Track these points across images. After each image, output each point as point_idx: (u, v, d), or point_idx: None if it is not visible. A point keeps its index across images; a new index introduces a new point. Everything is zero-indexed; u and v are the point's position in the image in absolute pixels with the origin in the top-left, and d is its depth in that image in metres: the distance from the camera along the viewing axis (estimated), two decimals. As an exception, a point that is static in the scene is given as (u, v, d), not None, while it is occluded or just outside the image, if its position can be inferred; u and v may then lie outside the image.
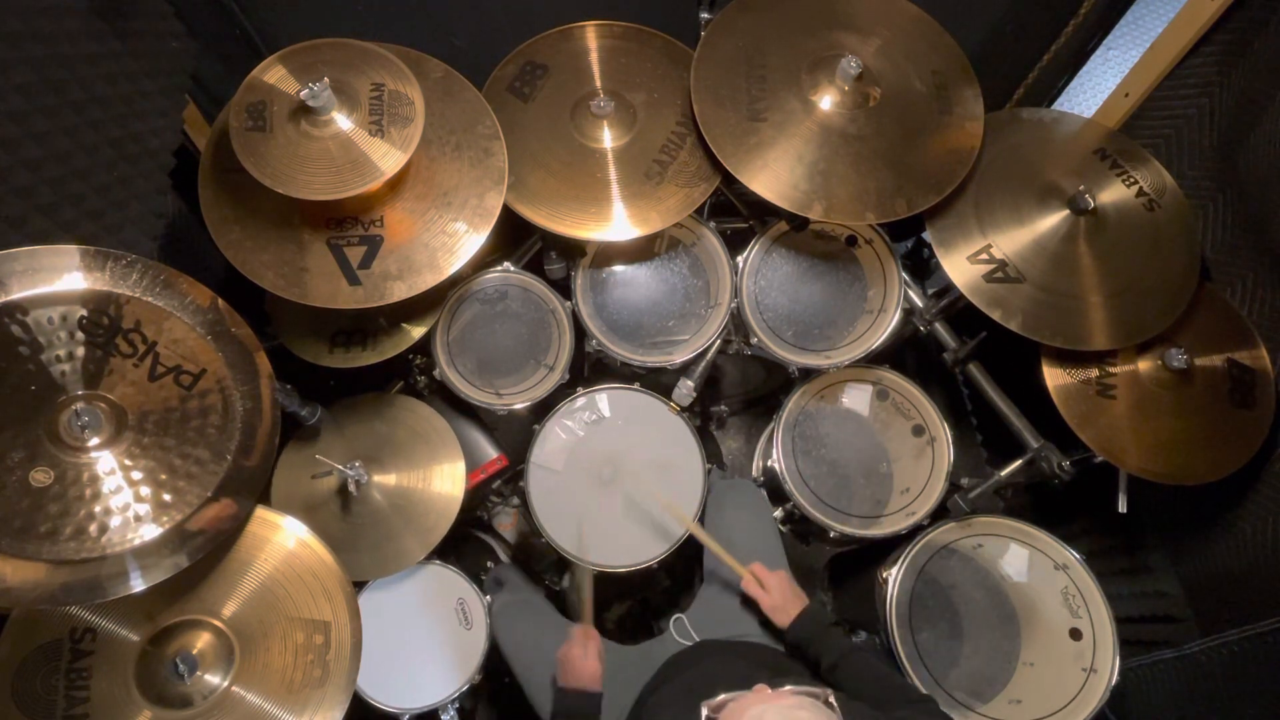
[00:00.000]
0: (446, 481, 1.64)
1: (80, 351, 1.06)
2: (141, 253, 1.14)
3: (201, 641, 1.24)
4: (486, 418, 1.84)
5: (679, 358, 1.68)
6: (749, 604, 1.45)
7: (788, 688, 0.95)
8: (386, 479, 1.62)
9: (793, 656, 1.41)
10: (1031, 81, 2.08)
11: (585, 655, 1.33)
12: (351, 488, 1.56)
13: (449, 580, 1.68)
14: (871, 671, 1.28)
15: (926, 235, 1.64)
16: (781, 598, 1.39)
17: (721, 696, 0.95)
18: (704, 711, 0.95)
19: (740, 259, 1.70)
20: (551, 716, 1.32)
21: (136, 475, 1.09)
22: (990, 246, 1.58)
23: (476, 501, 2.05)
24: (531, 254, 1.78)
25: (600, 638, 1.38)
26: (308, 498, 1.61)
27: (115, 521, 1.07)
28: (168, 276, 1.14)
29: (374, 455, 1.63)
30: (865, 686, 1.25)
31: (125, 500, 1.08)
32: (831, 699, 0.93)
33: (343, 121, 1.28)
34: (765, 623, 1.42)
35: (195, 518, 1.13)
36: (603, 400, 1.73)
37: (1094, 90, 2.41)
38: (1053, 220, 1.59)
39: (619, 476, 1.69)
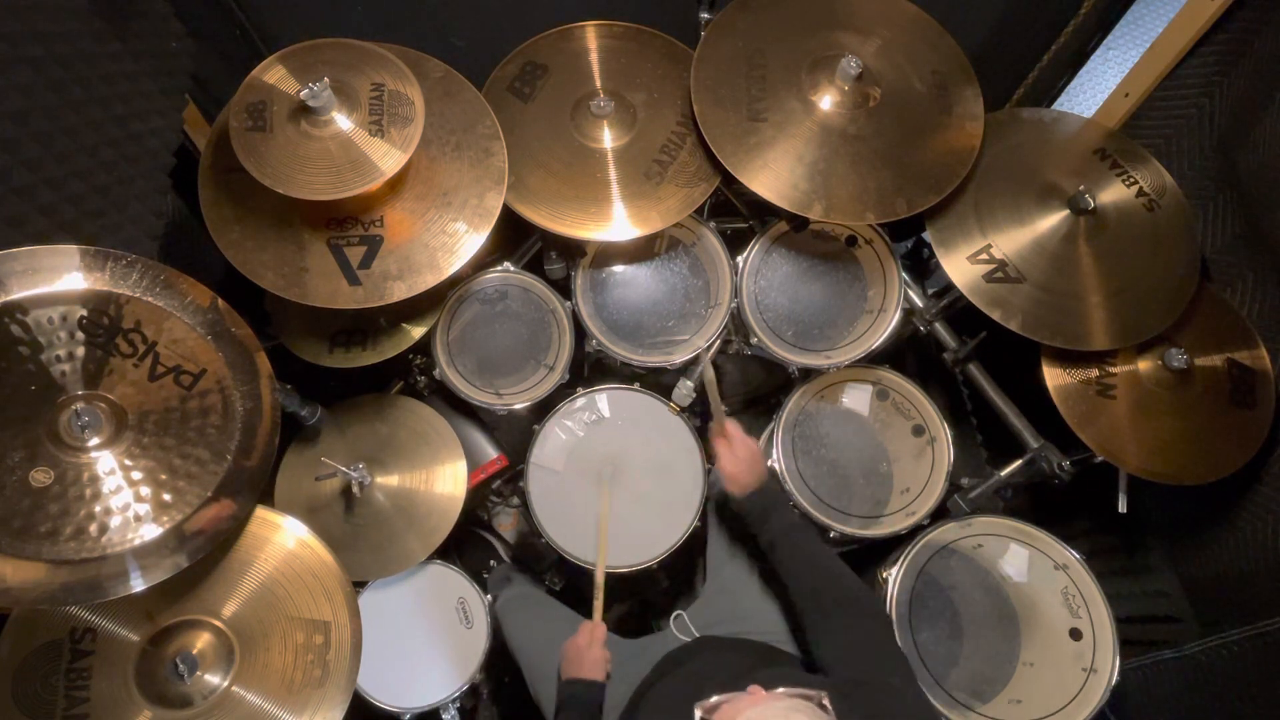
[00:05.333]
0: (448, 482, 1.64)
1: (80, 351, 1.06)
2: (141, 253, 1.14)
3: (201, 641, 1.24)
4: (486, 418, 1.84)
5: (679, 358, 1.68)
6: (750, 603, 1.45)
7: (780, 690, 0.94)
8: (389, 480, 1.62)
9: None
10: (1031, 81, 2.08)
11: (590, 645, 1.33)
12: (355, 489, 1.56)
13: (450, 580, 1.68)
14: (810, 556, 1.27)
15: (926, 235, 1.63)
16: (745, 463, 1.36)
17: (715, 699, 0.94)
18: (697, 714, 0.94)
19: (740, 259, 1.70)
20: (556, 709, 1.31)
21: (136, 475, 1.09)
22: (990, 246, 1.58)
23: (477, 502, 2.05)
24: (531, 254, 1.78)
25: (606, 630, 1.39)
26: (311, 499, 1.61)
27: (115, 521, 1.07)
28: (168, 276, 1.14)
29: (375, 456, 1.63)
30: (802, 571, 1.26)
31: (125, 500, 1.08)
32: (825, 700, 0.92)
33: (343, 121, 1.28)
34: (765, 621, 1.42)
35: (195, 518, 1.13)
36: (603, 400, 1.72)
37: (1094, 90, 2.41)
38: (1053, 220, 1.59)
39: (619, 477, 1.69)
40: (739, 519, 1.41)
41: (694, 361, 1.71)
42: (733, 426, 1.41)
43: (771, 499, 1.36)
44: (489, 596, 1.67)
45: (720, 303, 1.71)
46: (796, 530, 1.31)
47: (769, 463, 1.75)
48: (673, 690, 1.22)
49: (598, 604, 1.46)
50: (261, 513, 1.32)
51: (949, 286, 1.61)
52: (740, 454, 1.37)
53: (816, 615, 1.22)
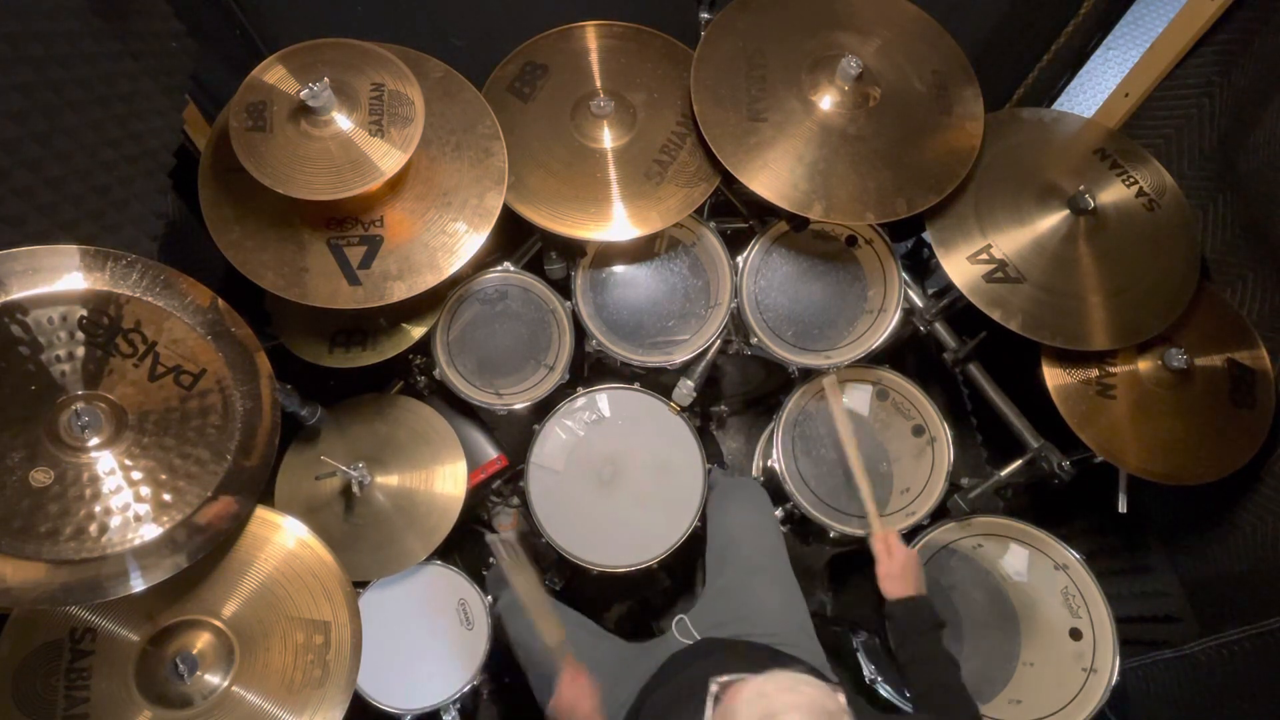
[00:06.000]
0: (448, 482, 1.64)
1: (80, 351, 1.06)
2: (141, 253, 1.14)
3: (201, 641, 1.24)
4: (486, 418, 1.84)
5: (679, 358, 1.68)
6: (751, 605, 1.45)
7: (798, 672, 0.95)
8: (389, 480, 1.62)
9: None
10: (1031, 81, 2.08)
11: (577, 702, 1.25)
12: (355, 489, 1.56)
13: (450, 580, 1.67)
14: (937, 683, 1.27)
15: (926, 235, 1.64)
16: (900, 571, 1.41)
17: (730, 676, 0.95)
18: (713, 687, 0.95)
19: (740, 259, 1.70)
20: None
21: (136, 475, 1.09)
22: (990, 246, 1.58)
23: (477, 501, 2.05)
24: (531, 254, 1.78)
25: (587, 672, 1.30)
26: (311, 499, 1.61)
27: (115, 521, 1.07)
28: (168, 276, 1.14)
29: (375, 456, 1.63)
30: (924, 692, 1.27)
31: (125, 500, 1.08)
32: (841, 696, 0.93)
33: (343, 121, 1.28)
34: (767, 624, 1.42)
35: (195, 518, 1.13)
36: (603, 400, 1.73)
37: (1094, 90, 2.41)
38: (1053, 220, 1.59)
39: (619, 476, 1.69)
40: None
41: (695, 361, 1.71)
42: (893, 536, 1.46)
43: (918, 618, 1.35)
44: (489, 597, 1.67)
45: (720, 303, 1.71)
46: (930, 660, 1.31)
47: (769, 462, 1.75)
48: (679, 692, 1.22)
49: (556, 642, 1.33)
50: (261, 513, 1.32)
51: (949, 286, 1.61)
52: (897, 558, 1.42)
53: None
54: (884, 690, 1.63)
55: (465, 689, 1.60)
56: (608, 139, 1.62)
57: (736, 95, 1.57)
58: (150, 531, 1.09)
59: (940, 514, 1.69)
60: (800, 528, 1.88)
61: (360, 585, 1.62)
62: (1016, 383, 1.71)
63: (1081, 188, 1.58)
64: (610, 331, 1.72)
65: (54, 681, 1.17)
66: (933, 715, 1.24)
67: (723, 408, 2.23)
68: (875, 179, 1.54)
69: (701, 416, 2.18)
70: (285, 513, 1.34)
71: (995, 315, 1.54)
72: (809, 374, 1.76)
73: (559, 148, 1.61)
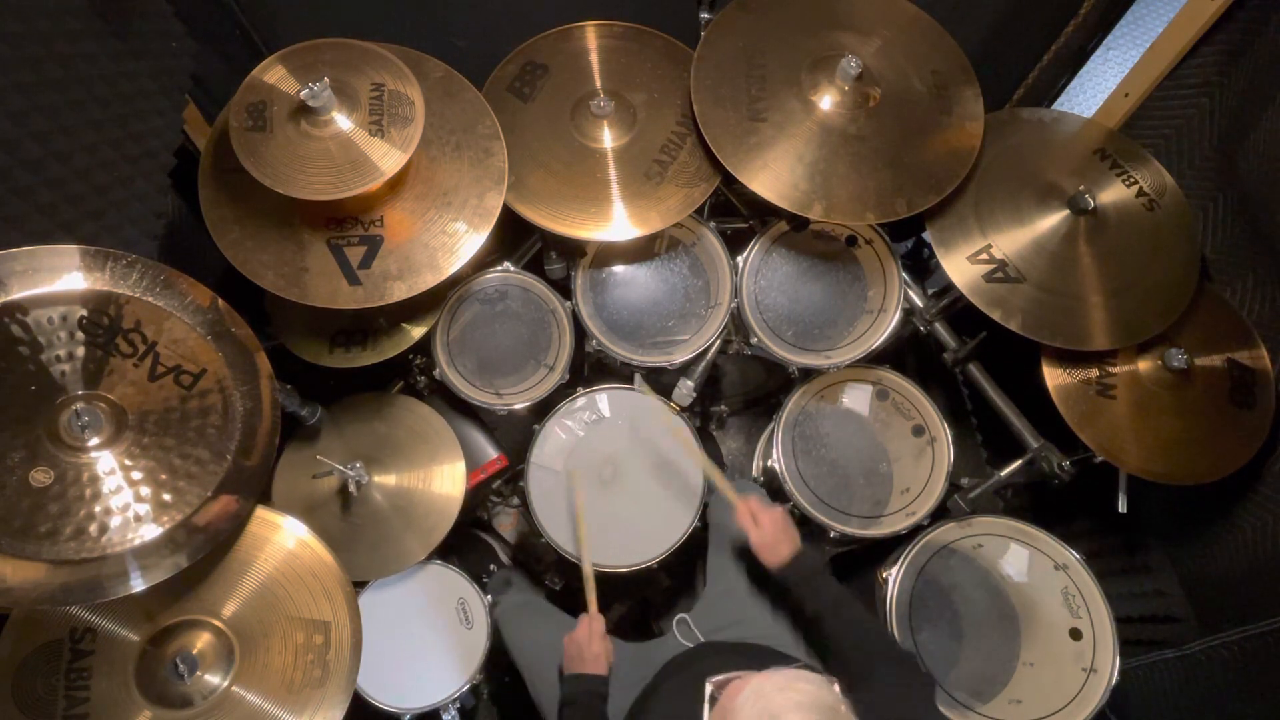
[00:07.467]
0: (447, 482, 1.64)
1: (80, 351, 1.06)
2: (141, 253, 1.14)
3: (201, 641, 1.24)
4: (486, 418, 1.84)
5: (679, 358, 1.68)
6: (749, 608, 1.45)
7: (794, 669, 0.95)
8: (387, 479, 1.62)
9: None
10: (1031, 81, 2.08)
11: (590, 639, 1.33)
12: (352, 488, 1.56)
13: (450, 580, 1.68)
14: (855, 628, 1.25)
15: (926, 235, 1.64)
16: (773, 536, 1.33)
17: (726, 676, 0.95)
18: (708, 687, 0.95)
19: (740, 259, 1.70)
20: (560, 705, 1.30)
21: (136, 475, 1.09)
22: (990, 246, 1.58)
23: (477, 502, 2.05)
24: (531, 254, 1.78)
25: (604, 621, 1.39)
26: (308, 498, 1.61)
27: (115, 521, 1.07)
28: (168, 276, 1.14)
29: (374, 455, 1.63)
30: (846, 642, 1.23)
31: (125, 500, 1.08)
32: (836, 687, 0.93)
33: (343, 121, 1.29)
34: (767, 625, 1.42)
35: (195, 518, 1.13)
36: (603, 400, 1.73)
37: (1094, 90, 2.41)
38: (1053, 220, 1.59)
39: (619, 476, 1.69)
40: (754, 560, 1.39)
41: (695, 361, 1.71)
42: (754, 503, 1.38)
43: (809, 569, 1.32)
44: (489, 598, 1.67)
45: (720, 303, 1.71)
46: (842, 605, 1.28)
47: (769, 462, 1.75)
48: (676, 692, 1.22)
49: (590, 596, 1.46)
50: (261, 513, 1.32)
51: (949, 286, 1.61)
52: (768, 529, 1.34)
53: (860, 673, 1.18)
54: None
55: (464, 688, 1.60)
56: (608, 139, 1.62)
57: (736, 95, 1.57)
58: (150, 531, 1.09)
59: (940, 514, 1.69)
60: (800, 528, 1.88)
61: (358, 585, 1.62)
62: (1016, 383, 1.71)
63: (1081, 188, 1.58)
64: (610, 331, 1.72)
65: (54, 681, 1.17)
66: (883, 662, 1.19)
67: (723, 408, 2.23)
68: (875, 179, 1.54)
69: (701, 416, 2.19)
70: (283, 512, 1.34)
71: (995, 315, 1.54)
72: (809, 374, 1.76)
73: (559, 148, 1.61)
